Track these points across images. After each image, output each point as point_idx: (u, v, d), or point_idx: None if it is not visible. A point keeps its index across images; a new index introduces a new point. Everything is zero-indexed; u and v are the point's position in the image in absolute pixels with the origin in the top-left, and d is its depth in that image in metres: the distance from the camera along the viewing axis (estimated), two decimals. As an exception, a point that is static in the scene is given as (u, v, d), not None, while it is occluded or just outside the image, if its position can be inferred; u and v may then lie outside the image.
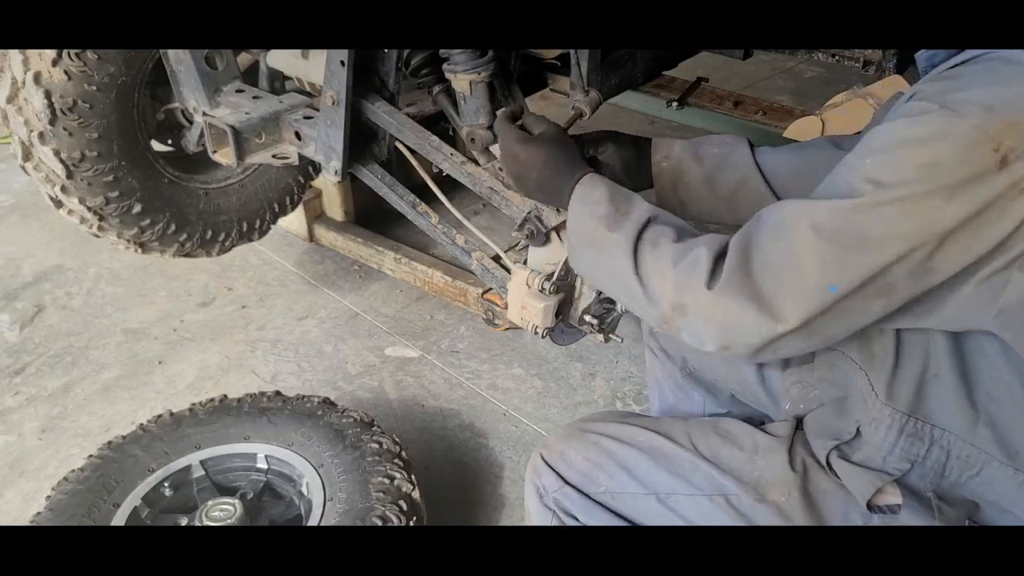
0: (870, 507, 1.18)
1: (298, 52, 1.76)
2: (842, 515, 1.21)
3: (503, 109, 1.41)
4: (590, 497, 1.33)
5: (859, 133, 1.37)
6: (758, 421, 1.35)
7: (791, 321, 1.00)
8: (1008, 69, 0.95)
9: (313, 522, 1.65)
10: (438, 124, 2.18)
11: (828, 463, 1.21)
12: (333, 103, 1.60)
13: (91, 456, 1.79)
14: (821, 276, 0.98)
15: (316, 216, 3.00)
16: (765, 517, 1.23)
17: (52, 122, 1.69)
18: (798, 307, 0.99)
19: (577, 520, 1.33)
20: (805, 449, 1.26)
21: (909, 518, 1.16)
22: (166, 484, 1.77)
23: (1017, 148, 0.89)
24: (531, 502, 1.39)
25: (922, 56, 1.10)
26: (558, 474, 1.35)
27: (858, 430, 1.19)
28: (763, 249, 1.02)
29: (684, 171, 1.46)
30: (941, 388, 1.11)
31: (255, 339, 2.63)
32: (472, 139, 1.61)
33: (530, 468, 1.40)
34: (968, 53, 1.00)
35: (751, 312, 1.01)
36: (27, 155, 1.78)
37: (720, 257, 1.05)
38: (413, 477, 1.74)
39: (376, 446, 1.78)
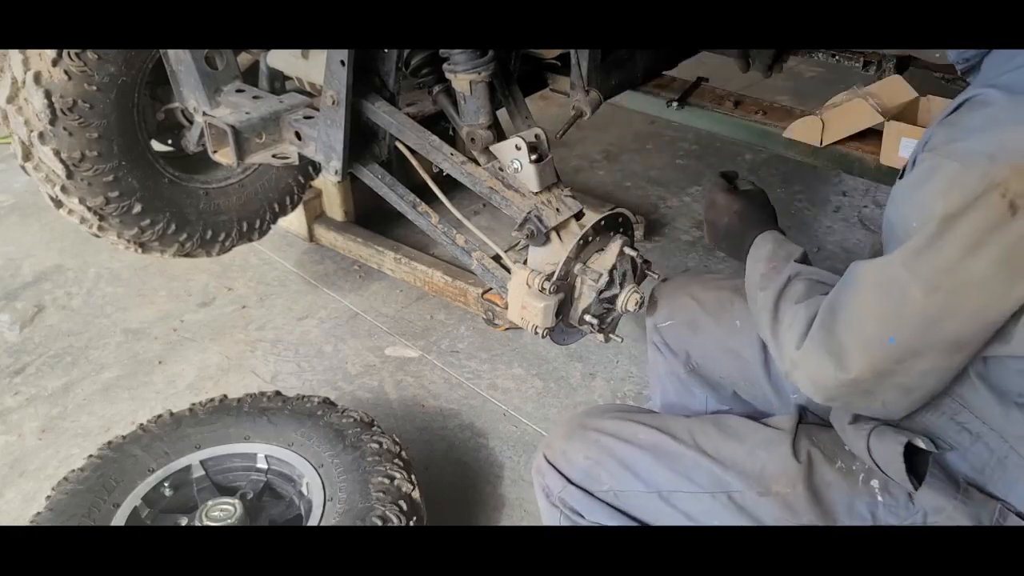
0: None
1: (298, 52, 1.76)
2: (847, 506, 1.22)
3: (722, 171, 1.51)
4: (594, 495, 1.34)
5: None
6: (761, 418, 1.35)
7: (854, 370, 1.06)
8: (999, 112, 0.98)
9: (313, 522, 1.65)
10: (438, 124, 2.18)
11: (868, 441, 1.21)
12: (333, 103, 1.60)
13: (91, 456, 1.78)
14: (880, 329, 1.04)
15: (316, 216, 3.00)
16: (769, 511, 1.24)
17: (52, 122, 1.69)
18: (864, 359, 1.06)
19: (583, 518, 1.34)
20: (810, 441, 1.26)
21: (929, 495, 1.15)
22: (166, 484, 1.77)
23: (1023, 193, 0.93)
24: (540, 501, 1.41)
25: (951, 54, 1.17)
26: (561, 473, 1.36)
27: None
28: (841, 306, 1.09)
29: None
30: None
31: (255, 339, 2.63)
32: (472, 139, 1.61)
33: (534, 468, 1.41)
34: (965, 95, 1.05)
35: (830, 366, 1.08)
36: (27, 155, 1.78)
37: (813, 317, 1.12)
38: (413, 477, 1.74)
39: (376, 446, 1.78)
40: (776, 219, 1.40)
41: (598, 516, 1.33)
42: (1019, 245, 0.94)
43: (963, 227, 0.96)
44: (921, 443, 1.14)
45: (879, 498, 1.20)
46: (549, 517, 1.39)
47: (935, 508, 1.15)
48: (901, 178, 1.15)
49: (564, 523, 1.36)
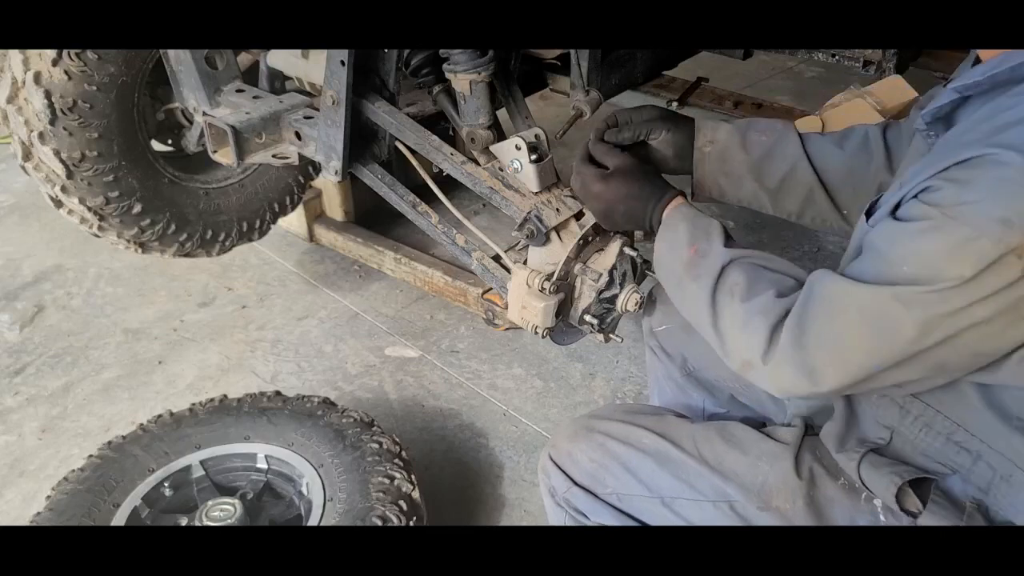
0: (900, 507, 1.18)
1: (298, 52, 1.76)
2: (848, 523, 1.20)
3: (581, 152, 1.40)
4: (598, 497, 1.34)
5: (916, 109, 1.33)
6: (759, 423, 1.35)
7: (829, 386, 1.07)
8: (1017, 175, 0.94)
9: (313, 522, 1.65)
10: (438, 124, 2.19)
11: (859, 470, 1.20)
12: (333, 103, 1.60)
13: (91, 456, 1.78)
14: (866, 358, 1.03)
15: (316, 216, 3.00)
16: (768, 524, 1.22)
17: (52, 122, 1.69)
18: (840, 378, 1.06)
19: (588, 518, 1.35)
20: (813, 456, 1.25)
21: (931, 518, 1.14)
22: (166, 484, 1.77)
23: None
24: (545, 500, 1.42)
25: (925, 114, 1.13)
26: (566, 474, 1.36)
27: (891, 437, 1.19)
28: (815, 327, 1.06)
29: (729, 158, 1.44)
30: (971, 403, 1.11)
31: (255, 339, 2.63)
32: (472, 139, 1.61)
33: (540, 467, 1.42)
34: (971, 150, 0.98)
35: (803, 383, 1.08)
36: (27, 155, 1.78)
37: (776, 327, 1.09)
38: (413, 477, 1.74)
39: (376, 446, 1.78)
40: (660, 173, 1.33)
41: (602, 517, 1.33)
42: None
43: (974, 287, 0.95)
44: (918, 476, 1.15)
45: (881, 517, 1.19)
46: (555, 517, 1.40)
47: None
48: (870, 211, 1.10)
49: (569, 523, 1.36)
